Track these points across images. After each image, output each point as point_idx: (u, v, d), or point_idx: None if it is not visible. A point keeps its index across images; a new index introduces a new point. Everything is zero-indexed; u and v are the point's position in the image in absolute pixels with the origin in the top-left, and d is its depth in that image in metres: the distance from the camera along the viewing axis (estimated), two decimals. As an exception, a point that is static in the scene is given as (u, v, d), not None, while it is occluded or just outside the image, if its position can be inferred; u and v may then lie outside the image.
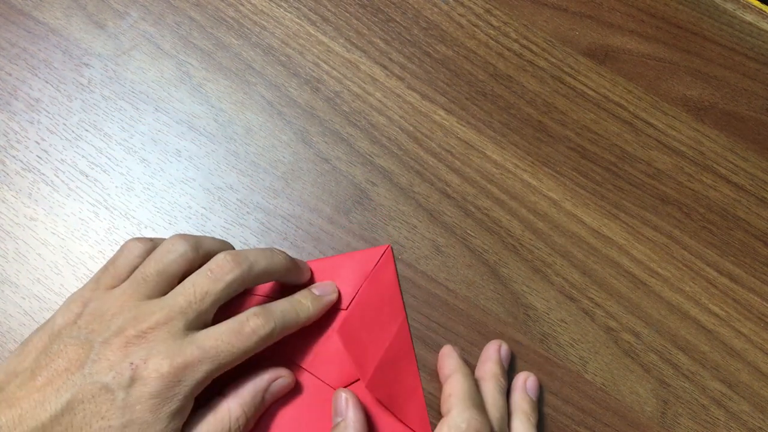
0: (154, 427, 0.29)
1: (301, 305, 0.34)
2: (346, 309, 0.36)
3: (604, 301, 0.39)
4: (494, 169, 0.41)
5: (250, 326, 0.31)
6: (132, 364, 0.29)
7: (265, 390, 0.33)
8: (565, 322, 0.38)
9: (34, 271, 0.37)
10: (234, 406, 0.32)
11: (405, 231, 0.39)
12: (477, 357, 0.37)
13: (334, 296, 0.36)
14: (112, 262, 0.34)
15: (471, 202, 0.40)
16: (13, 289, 0.37)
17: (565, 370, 0.37)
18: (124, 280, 0.33)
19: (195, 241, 0.33)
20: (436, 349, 0.37)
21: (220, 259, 0.32)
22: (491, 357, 0.36)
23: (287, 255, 0.35)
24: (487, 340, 0.37)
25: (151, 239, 0.34)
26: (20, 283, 0.37)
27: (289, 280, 0.35)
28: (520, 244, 0.40)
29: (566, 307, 0.39)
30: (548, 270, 0.39)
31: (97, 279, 0.33)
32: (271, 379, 0.33)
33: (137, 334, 0.30)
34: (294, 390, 0.35)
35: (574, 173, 0.41)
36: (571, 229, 0.40)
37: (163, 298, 0.32)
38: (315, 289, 0.36)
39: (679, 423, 0.37)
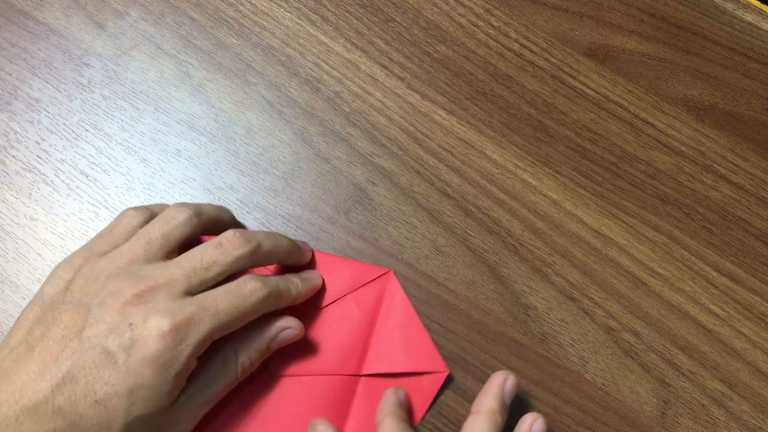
0: (160, 389, 0.28)
1: (292, 282, 0.34)
2: (323, 308, 0.36)
3: (604, 301, 0.39)
4: (494, 169, 0.41)
5: (248, 288, 0.31)
6: (131, 324, 0.28)
7: (272, 339, 0.33)
8: (565, 322, 0.38)
9: (34, 271, 0.37)
10: (241, 350, 0.32)
11: (405, 231, 0.39)
12: (477, 357, 0.37)
13: (319, 281, 0.36)
14: (109, 230, 0.33)
15: (471, 202, 0.40)
16: (13, 289, 0.37)
17: (565, 370, 0.37)
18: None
19: (196, 207, 0.34)
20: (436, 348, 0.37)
21: (230, 235, 0.32)
22: (492, 390, 0.33)
23: (290, 239, 0.35)
24: (487, 340, 0.37)
25: (147, 207, 0.34)
26: (20, 283, 0.37)
27: (291, 262, 0.36)
28: (520, 244, 0.40)
29: (566, 307, 0.39)
30: (548, 270, 0.39)
31: (89, 246, 0.33)
32: (280, 328, 0.33)
33: (136, 293, 0.29)
34: (271, 386, 0.35)
35: (574, 173, 0.41)
36: (571, 229, 0.40)
37: (166, 262, 0.31)
38: (303, 273, 0.36)
39: (679, 423, 0.37)
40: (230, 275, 0.32)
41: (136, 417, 0.28)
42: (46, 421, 0.27)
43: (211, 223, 0.35)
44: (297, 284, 0.34)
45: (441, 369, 0.36)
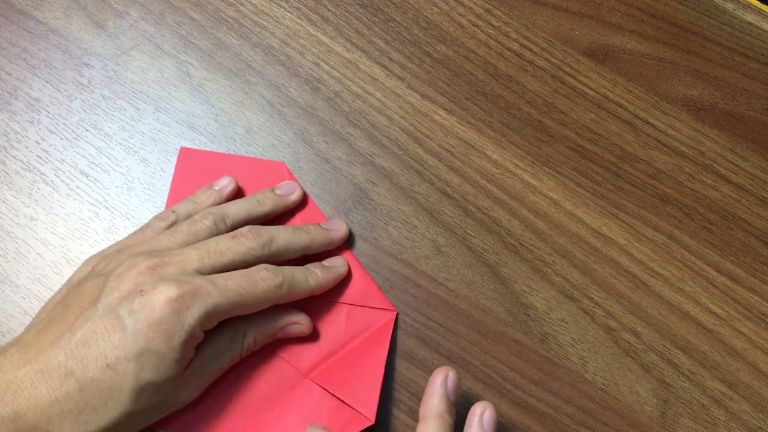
0: (168, 356, 0.29)
1: (311, 271, 0.35)
2: (316, 298, 0.36)
3: (604, 301, 0.39)
4: (494, 169, 0.41)
5: (260, 274, 0.32)
6: (142, 291, 0.30)
7: (280, 329, 0.34)
8: (565, 322, 0.38)
9: (34, 271, 0.37)
10: (249, 331, 0.33)
11: (405, 231, 0.39)
12: (477, 357, 0.37)
13: (344, 269, 0.37)
14: (141, 230, 0.35)
15: (471, 202, 0.40)
16: (13, 289, 0.37)
17: (565, 370, 0.37)
18: None
19: (223, 213, 0.35)
20: (437, 348, 0.37)
21: (244, 230, 0.34)
22: (436, 392, 0.32)
23: (318, 227, 0.36)
24: (487, 340, 0.37)
25: (174, 211, 0.36)
26: (20, 283, 0.37)
27: (316, 251, 0.37)
28: (520, 243, 0.40)
29: (566, 307, 0.39)
30: (548, 270, 0.39)
31: (120, 242, 0.35)
32: (290, 321, 0.35)
33: (150, 266, 0.31)
34: (261, 370, 0.35)
35: (574, 173, 0.41)
36: (571, 228, 0.40)
37: (184, 246, 0.33)
38: (328, 261, 0.37)
39: (679, 423, 0.37)
40: (245, 266, 0.33)
41: (147, 382, 0.29)
42: (59, 385, 0.28)
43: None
44: (317, 274, 0.35)
45: (367, 414, 0.34)
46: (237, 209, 0.36)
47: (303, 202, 0.39)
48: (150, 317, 0.29)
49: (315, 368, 0.35)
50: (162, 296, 0.29)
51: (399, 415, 0.36)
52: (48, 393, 0.28)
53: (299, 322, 0.35)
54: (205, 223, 0.34)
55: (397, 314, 0.37)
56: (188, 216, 0.35)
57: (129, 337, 0.29)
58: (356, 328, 0.36)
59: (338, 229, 0.37)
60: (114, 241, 0.38)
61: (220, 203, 0.37)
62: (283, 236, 0.35)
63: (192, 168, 0.39)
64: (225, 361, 0.33)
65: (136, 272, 0.30)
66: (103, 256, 0.33)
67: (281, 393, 0.35)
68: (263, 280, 0.32)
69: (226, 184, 0.37)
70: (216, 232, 0.34)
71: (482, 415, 0.32)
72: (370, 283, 0.37)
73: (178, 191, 0.38)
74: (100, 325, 0.29)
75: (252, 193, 0.38)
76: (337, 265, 0.36)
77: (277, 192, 0.38)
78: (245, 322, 0.33)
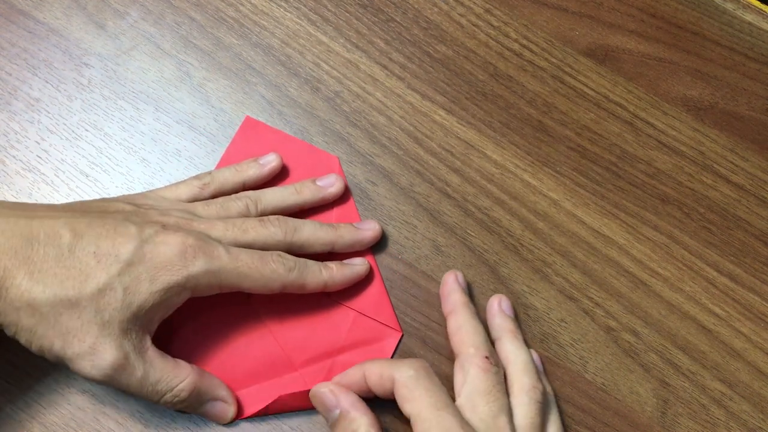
0: (146, 287, 0.29)
1: (326, 265, 0.35)
2: (328, 295, 0.36)
3: (604, 301, 0.39)
4: (494, 169, 0.41)
5: (273, 256, 0.33)
6: (164, 225, 0.31)
7: (204, 396, 0.33)
8: (565, 322, 0.38)
9: (34, 271, 0.37)
10: (187, 385, 0.32)
11: (405, 231, 0.39)
12: (477, 357, 0.37)
13: (362, 269, 0.36)
14: (175, 187, 0.36)
15: (471, 202, 0.40)
16: (13, 289, 0.37)
17: (565, 370, 0.37)
18: None
19: (257, 197, 0.36)
20: (437, 349, 0.37)
21: (271, 217, 0.35)
22: (454, 288, 0.36)
23: (343, 228, 0.36)
24: (487, 340, 0.38)
25: (210, 175, 0.37)
26: (20, 283, 0.37)
27: (343, 250, 0.37)
28: (520, 243, 0.40)
29: (566, 307, 0.39)
30: (548, 270, 0.39)
31: (153, 195, 0.36)
32: (214, 399, 0.33)
33: (177, 220, 0.32)
34: (237, 313, 0.36)
35: (574, 173, 0.41)
36: (571, 228, 0.40)
37: (213, 218, 0.34)
38: (350, 259, 0.37)
39: (679, 423, 0.37)
40: (265, 249, 0.33)
41: (111, 290, 0.29)
42: (42, 242, 0.29)
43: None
44: (332, 269, 0.35)
45: None
46: (272, 195, 0.36)
47: (342, 198, 0.39)
48: (158, 249, 0.30)
49: (307, 365, 0.35)
50: (178, 238, 0.30)
51: (399, 416, 0.36)
52: (24, 245, 0.28)
53: (225, 402, 0.34)
54: (237, 204, 0.35)
55: (402, 336, 0.37)
56: (224, 182, 0.36)
57: (131, 246, 0.29)
58: (358, 337, 0.36)
59: (369, 229, 0.37)
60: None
61: (260, 177, 0.37)
62: (308, 228, 0.35)
63: (251, 138, 0.40)
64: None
65: (163, 222, 0.32)
66: (135, 199, 0.34)
67: (268, 376, 0.35)
68: (274, 261, 0.33)
69: (270, 161, 0.38)
70: (246, 214, 0.35)
71: (500, 303, 0.37)
72: (384, 298, 0.37)
73: (231, 157, 0.39)
74: (110, 226, 0.30)
75: (298, 177, 0.39)
76: (355, 263, 0.36)
77: (318, 183, 0.38)
78: (188, 365, 0.33)
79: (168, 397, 0.31)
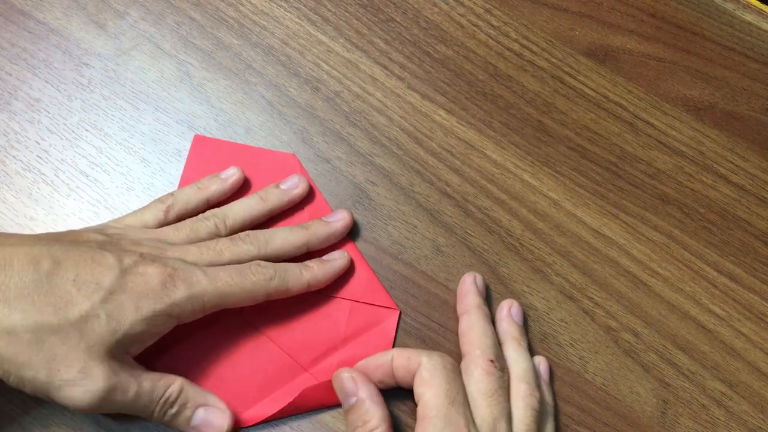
0: (130, 316, 0.29)
1: (306, 266, 0.35)
2: (319, 292, 0.36)
3: (604, 301, 0.39)
4: (494, 169, 0.41)
5: (251, 268, 0.33)
6: (142, 255, 0.31)
7: (195, 399, 0.32)
8: (565, 322, 0.38)
9: (34, 271, 0.37)
10: (175, 388, 0.31)
11: (405, 231, 0.39)
12: (477, 357, 0.37)
13: (342, 261, 0.36)
14: (140, 213, 0.36)
15: (471, 202, 0.40)
16: (13, 289, 0.37)
17: (565, 370, 0.37)
18: None
19: (224, 216, 0.36)
20: (436, 348, 0.37)
21: (242, 234, 0.35)
22: (470, 290, 0.37)
23: (314, 225, 0.36)
24: (487, 340, 0.37)
25: (172, 196, 0.36)
26: (20, 283, 0.37)
27: (318, 246, 0.37)
28: (520, 244, 0.40)
29: (566, 307, 0.39)
30: (548, 270, 0.39)
31: (121, 225, 0.36)
32: (206, 404, 0.33)
33: (151, 250, 0.32)
34: (232, 327, 0.36)
35: (574, 173, 0.41)
36: (571, 229, 0.40)
37: (185, 242, 0.34)
38: (328, 255, 0.37)
39: (679, 423, 0.37)
40: (239, 263, 0.34)
41: (92, 317, 0.28)
42: (22, 267, 0.28)
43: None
44: (312, 269, 0.35)
45: None
46: (239, 208, 0.36)
47: (310, 195, 0.39)
48: (137, 279, 0.30)
49: (315, 363, 0.35)
50: (158, 268, 0.30)
51: (399, 416, 0.36)
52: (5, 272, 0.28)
53: (216, 406, 0.33)
54: (206, 224, 0.35)
55: (400, 313, 0.37)
56: (187, 202, 0.36)
57: (112, 275, 0.29)
58: (358, 325, 0.36)
59: (339, 219, 0.37)
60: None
61: (223, 192, 0.37)
62: (279, 236, 0.35)
63: (204, 156, 0.39)
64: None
65: (140, 252, 0.31)
66: (103, 229, 0.34)
67: (279, 384, 0.35)
68: (254, 273, 0.33)
69: (231, 174, 0.37)
70: (217, 234, 0.35)
71: (510, 309, 0.37)
72: (374, 281, 0.37)
73: (190, 177, 0.39)
74: (87, 258, 0.30)
75: (260, 183, 0.38)
76: (335, 258, 0.36)
77: (282, 187, 0.38)
78: (175, 380, 0.32)
79: (161, 402, 0.31)
